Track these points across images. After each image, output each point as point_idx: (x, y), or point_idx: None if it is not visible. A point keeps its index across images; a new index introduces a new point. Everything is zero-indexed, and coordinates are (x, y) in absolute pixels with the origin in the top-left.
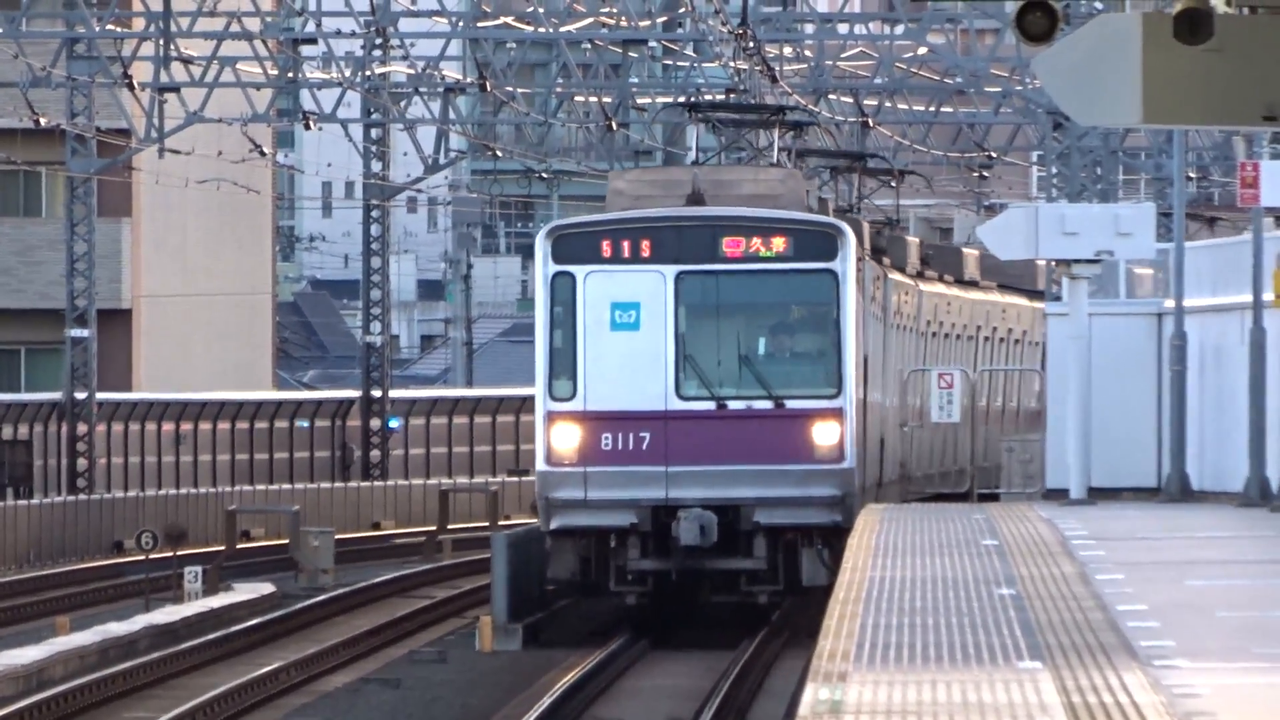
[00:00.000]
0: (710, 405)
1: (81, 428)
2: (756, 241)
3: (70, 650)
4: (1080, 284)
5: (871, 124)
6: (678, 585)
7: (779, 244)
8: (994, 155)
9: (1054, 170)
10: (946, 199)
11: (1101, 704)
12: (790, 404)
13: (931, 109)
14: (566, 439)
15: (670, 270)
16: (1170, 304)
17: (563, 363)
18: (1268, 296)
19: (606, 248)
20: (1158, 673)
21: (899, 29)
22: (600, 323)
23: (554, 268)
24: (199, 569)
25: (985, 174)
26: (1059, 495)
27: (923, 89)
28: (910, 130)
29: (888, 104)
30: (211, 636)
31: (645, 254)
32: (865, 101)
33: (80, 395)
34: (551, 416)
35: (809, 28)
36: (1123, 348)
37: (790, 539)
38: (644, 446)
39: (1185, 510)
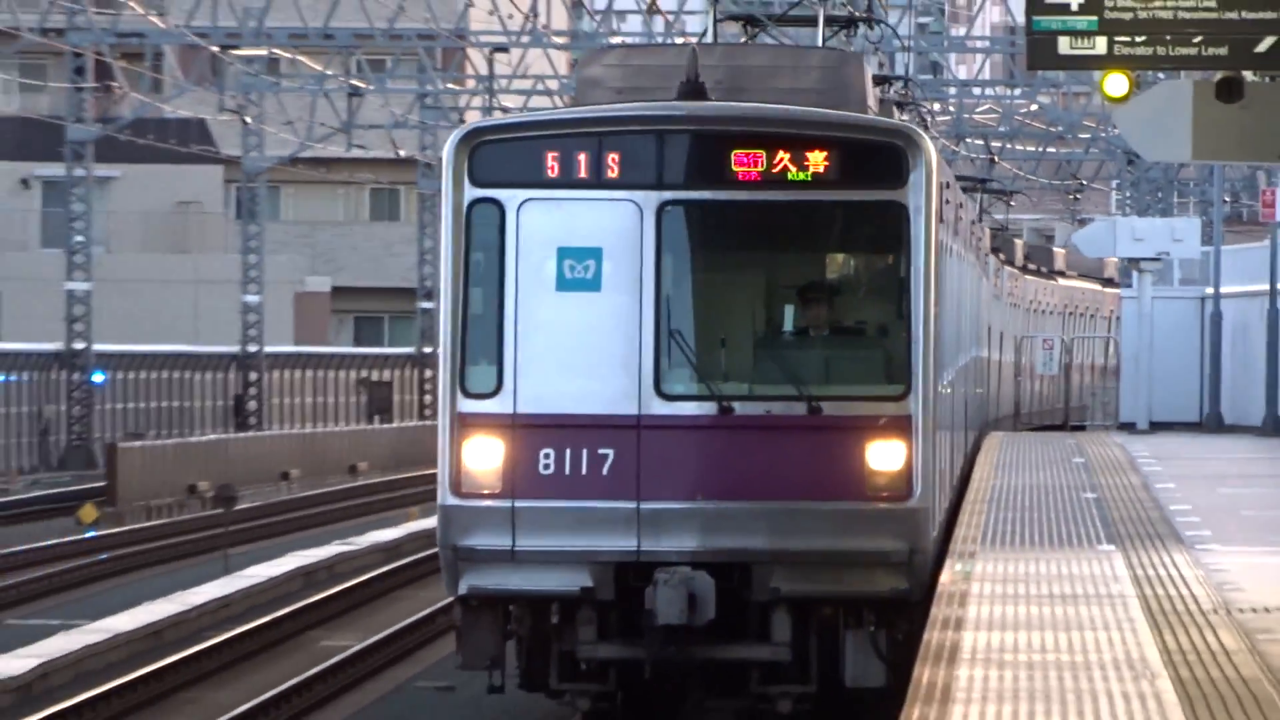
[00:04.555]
0: (708, 408)
1: (428, 373)
2: (782, 156)
3: (419, 530)
4: (1146, 276)
5: (995, 160)
6: (655, 681)
7: (818, 160)
8: (1084, 182)
9: (1127, 193)
10: (1050, 214)
11: (1158, 576)
12: (831, 408)
13: (1039, 148)
14: (485, 457)
15: (650, 199)
16: (1210, 291)
17: (482, 340)
18: None
19: (552, 163)
20: (1198, 554)
21: (1017, 91)
22: (541, 278)
23: (472, 193)
24: None
25: (1077, 196)
26: (1129, 427)
27: (1033, 134)
28: (1024, 164)
29: (1008, 145)
30: None
31: (612, 173)
32: (992, 143)
33: (426, 349)
34: (464, 422)
35: (952, 90)
36: (1176, 322)
37: (828, 616)
38: (605, 471)
39: (1219, 439)
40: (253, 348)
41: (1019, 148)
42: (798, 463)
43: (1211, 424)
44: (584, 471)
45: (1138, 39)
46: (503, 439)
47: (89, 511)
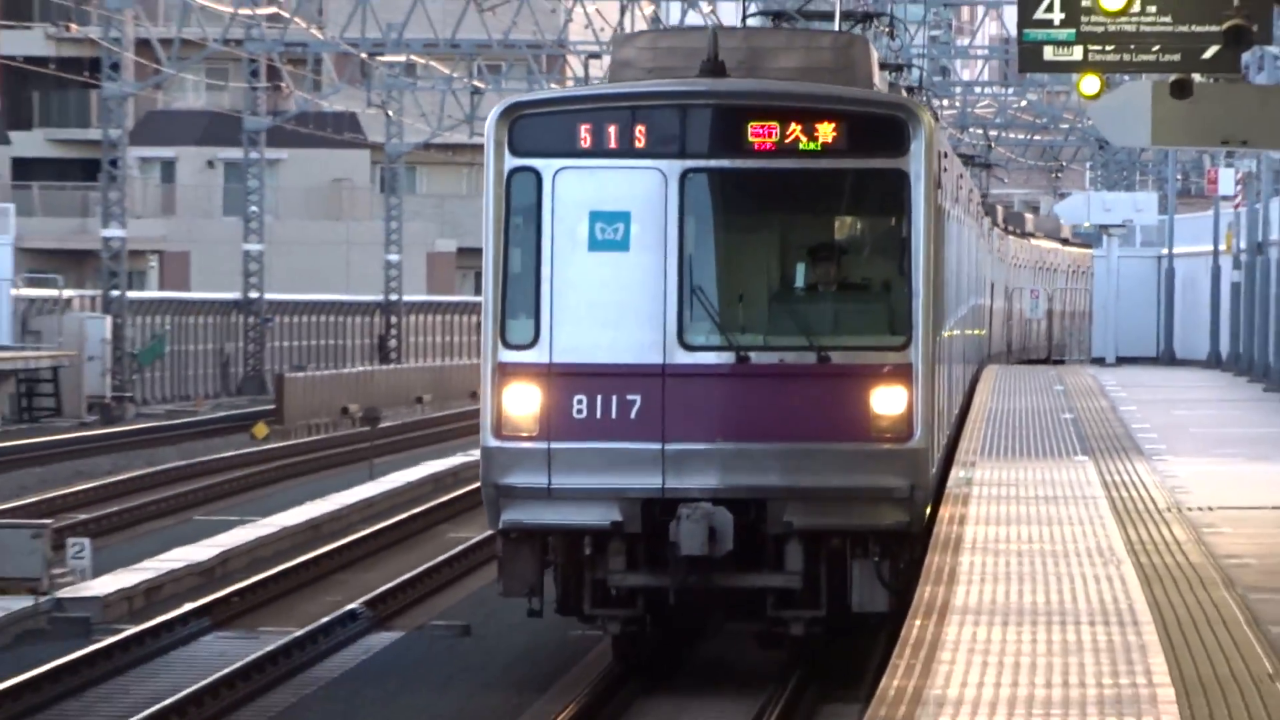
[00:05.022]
0: (726, 358)
1: None
2: (795, 128)
3: None
4: (1113, 239)
5: (992, 145)
6: (679, 607)
7: (827, 131)
8: (1064, 163)
9: (1099, 172)
10: (1036, 189)
11: (1123, 481)
12: (839, 357)
13: (1028, 136)
14: (523, 403)
15: (673, 167)
16: (1165, 251)
17: (521, 295)
18: (1221, 247)
19: (585, 134)
20: (1155, 463)
21: (1010, 90)
22: (574, 239)
23: (512, 161)
24: None
25: (1059, 174)
26: (1099, 361)
27: (1023, 124)
28: (1015, 149)
29: (1003, 133)
30: None
31: (639, 143)
32: (990, 132)
33: None
34: (504, 371)
35: (958, 89)
36: (1137, 276)
37: (836, 547)
38: (632, 415)
39: (1172, 370)
40: (393, 296)
41: (1011, 135)
42: (808, 407)
43: (1166, 358)
44: (613, 415)
45: (1108, 48)
46: (539, 386)
47: (261, 429)
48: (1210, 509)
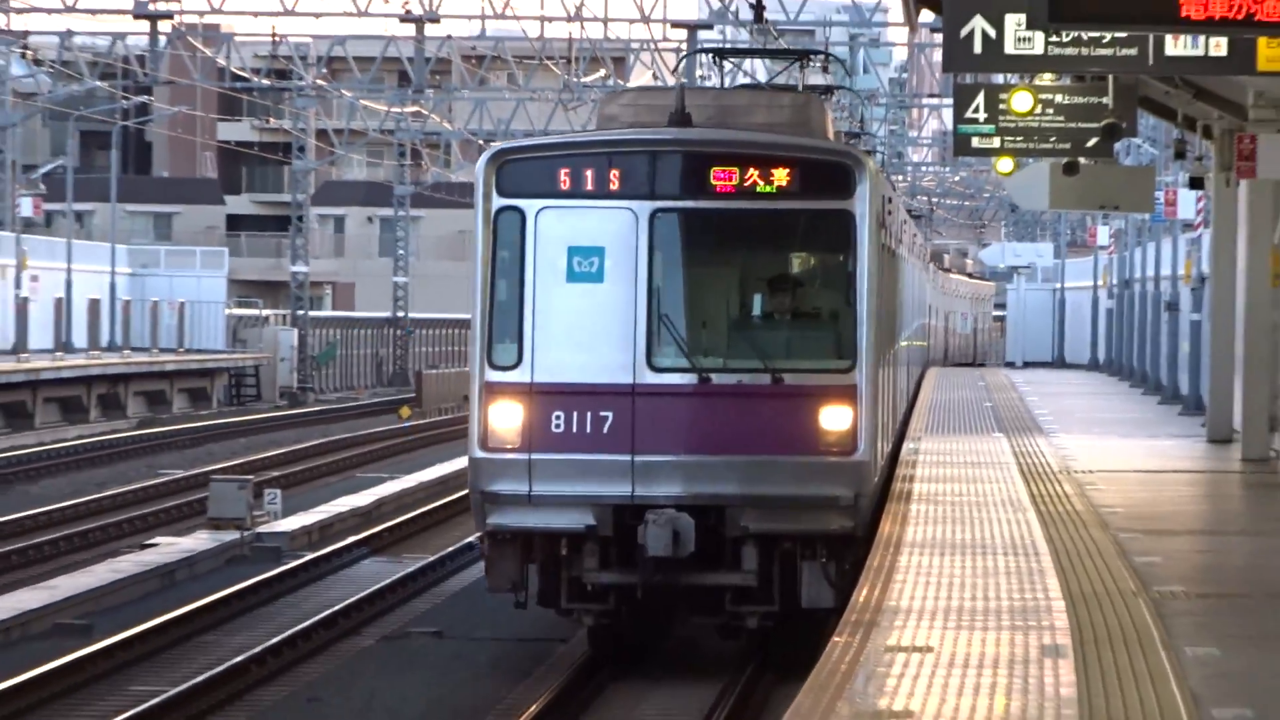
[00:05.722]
0: (690, 379)
1: None
2: (753, 173)
3: None
4: (1021, 276)
5: (934, 209)
6: (647, 602)
7: (781, 176)
8: (986, 221)
9: (1011, 227)
10: (965, 240)
11: (1028, 451)
12: (791, 379)
13: (960, 201)
14: (507, 418)
15: (643, 207)
16: (1059, 285)
17: (506, 322)
18: (1100, 283)
19: (565, 178)
20: (1051, 438)
21: (947, 168)
22: (554, 271)
23: (499, 202)
24: None
25: (982, 229)
26: (1011, 365)
27: (956, 193)
28: (950, 210)
29: (942, 199)
30: None
31: (613, 186)
32: (932, 198)
33: None
34: (491, 389)
35: (909, 167)
36: (1039, 303)
37: (788, 549)
38: (605, 430)
39: (1063, 371)
40: None
41: (948, 201)
42: (763, 423)
43: (1059, 363)
44: (588, 430)
45: (1018, 138)
46: (522, 403)
47: (405, 410)
48: (1091, 471)
